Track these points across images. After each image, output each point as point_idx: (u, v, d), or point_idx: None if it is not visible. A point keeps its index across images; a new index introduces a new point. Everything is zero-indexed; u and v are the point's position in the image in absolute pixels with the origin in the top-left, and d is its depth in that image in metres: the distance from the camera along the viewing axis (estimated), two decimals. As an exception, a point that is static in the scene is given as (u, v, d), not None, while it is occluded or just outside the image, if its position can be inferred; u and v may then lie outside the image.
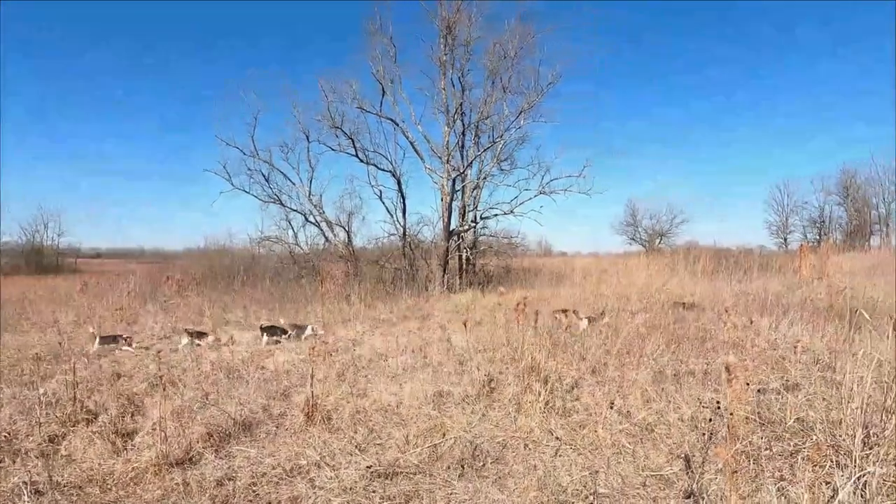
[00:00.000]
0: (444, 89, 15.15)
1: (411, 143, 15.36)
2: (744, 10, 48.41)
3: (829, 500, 2.55)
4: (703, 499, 2.57)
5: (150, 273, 18.85)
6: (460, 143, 16.44)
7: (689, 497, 2.63)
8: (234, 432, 3.83)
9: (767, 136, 56.67)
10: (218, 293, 13.66)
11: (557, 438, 3.65)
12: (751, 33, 51.29)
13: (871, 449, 2.78)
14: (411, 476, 3.15)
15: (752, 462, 3.00)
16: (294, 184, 16.28)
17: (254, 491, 2.96)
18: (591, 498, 2.75)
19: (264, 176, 16.22)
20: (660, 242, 45.67)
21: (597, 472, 3.02)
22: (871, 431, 2.89)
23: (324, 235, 16.67)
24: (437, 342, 7.11)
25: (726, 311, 7.87)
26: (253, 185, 16.26)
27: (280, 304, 11.51)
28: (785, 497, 2.60)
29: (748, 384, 3.31)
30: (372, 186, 16.05)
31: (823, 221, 43.50)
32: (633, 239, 48.23)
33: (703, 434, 2.66)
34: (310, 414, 3.99)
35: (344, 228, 16.63)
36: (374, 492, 2.92)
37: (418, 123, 15.37)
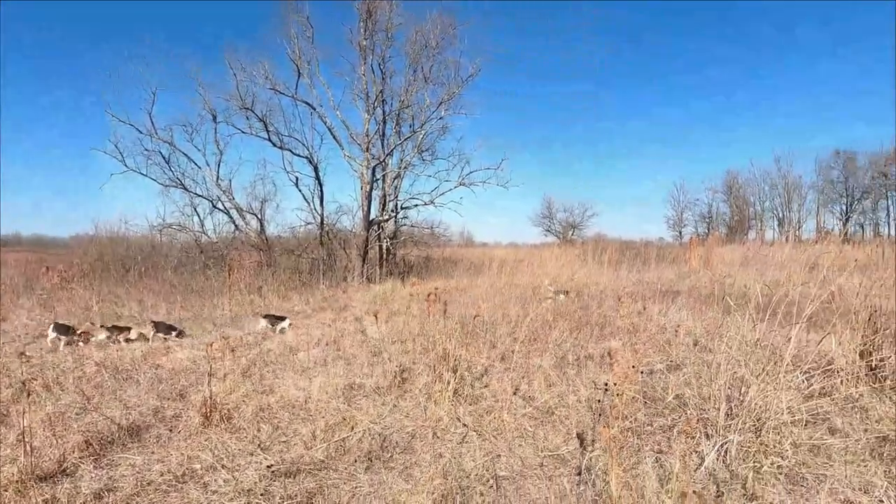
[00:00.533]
0: (364, 75, 14.81)
1: (329, 129, 14.88)
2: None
3: (697, 467, 2.87)
4: (591, 474, 2.77)
5: (26, 263, 16.60)
6: (381, 131, 16.20)
7: (579, 473, 2.83)
8: (119, 439, 3.49)
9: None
10: (110, 285, 12.37)
11: (465, 425, 3.75)
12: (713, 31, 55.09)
13: (732, 420, 3.15)
14: (316, 472, 3.07)
15: (635, 437, 3.29)
16: (200, 167, 15.12)
17: (137, 502, 2.72)
18: (492, 481, 2.86)
19: (164, 157, 14.89)
20: (572, 234, 48.55)
21: (499, 456, 3.15)
22: (732, 404, 3.28)
23: (234, 223, 15.69)
24: (352, 334, 6.99)
25: (619, 300, 8.51)
26: (151, 168, 14.87)
27: (183, 297, 10.67)
28: (661, 467, 2.87)
29: (633, 366, 3.62)
30: (287, 172, 15.35)
31: (711, 217, 48.63)
32: (549, 230, 50.86)
33: (595, 414, 2.87)
34: (208, 414, 3.75)
35: (256, 216, 15.77)
36: (274, 492, 2.81)
37: (337, 109, 14.92)
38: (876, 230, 39.41)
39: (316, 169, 15.11)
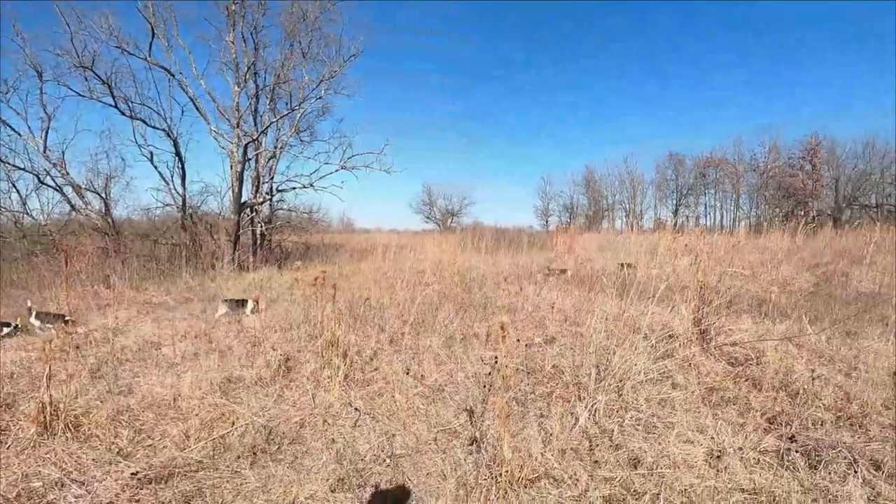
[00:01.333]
0: (232, 43, 13.44)
1: (192, 100, 13.29)
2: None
3: (573, 426, 3.18)
4: (483, 442, 2.92)
5: None
6: (253, 106, 14.95)
7: (472, 443, 2.96)
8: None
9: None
10: None
11: (357, 409, 3.68)
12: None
13: (600, 383, 3.56)
14: (193, 474, 2.78)
15: (520, 405, 3.55)
16: (20, 134, 12.45)
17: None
18: (388, 460, 2.86)
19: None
20: (451, 222, 50.22)
21: (393, 435, 3.16)
22: (600, 369, 3.70)
23: (69, 203, 13.27)
24: (226, 324, 6.42)
25: (505, 280, 9.06)
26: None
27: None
28: (543, 430, 3.14)
29: (518, 340, 3.88)
30: (140, 146, 13.38)
31: (573, 207, 53.83)
32: (429, 218, 51.96)
33: (484, 387, 3.02)
34: (47, 423, 3.16)
35: (99, 195, 13.53)
36: (143, 500, 2.48)
37: (201, 78, 13.37)
38: (696, 221, 47.13)
39: (176, 143, 13.42)
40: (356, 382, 4.12)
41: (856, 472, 2.46)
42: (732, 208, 44.35)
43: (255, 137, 14.08)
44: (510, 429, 3.10)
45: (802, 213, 33.18)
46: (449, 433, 3.27)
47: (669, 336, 4.67)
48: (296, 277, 10.57)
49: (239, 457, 3.03)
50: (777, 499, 2.33)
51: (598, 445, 2.95)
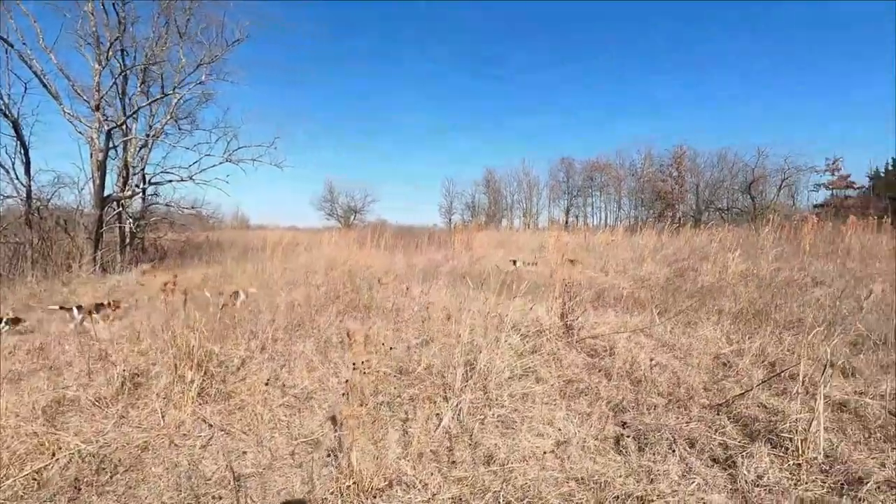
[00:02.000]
0: (92, 14, 11.82)
1: (39, 76, 11.45)
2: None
3: (436, 428, 3.21)
4: (341, 453, 2.82)
5: None
6: (121, 88, 13.33)
7: (330, 455, 2.85)
8: None
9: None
10: None
11: (210, 426, 3.39)
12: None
13: (467, 382, 3.63)
14: (-15, 522, 2.35)
15: (388, 409, 3.51)
16: None
17: None
18: (234, 482, 2.65)
19: None
20: (354, 219, 49.25)
21: (244, 452, 2.94)
22: (468, 368, 3.79)
23: None
24: (69, 337, 5.61)
25: (378, 281, 8.99)
26: None
27: None
28: (406, 434, 3.12)
29: (382, 344, 3.84)
30: (-34, 127, 11.28)
31: (474, 206, 55.48)
32: (331, 214, 50.48)
33: (343, 394, 2.93)
34: None
35: None
36: None
37: (50, 51, 11.56)
38: (585, 220, 51.08)
39: (16, 126, 11.49)
40: (217, 396, 3.80)
41: (674, 451, 2.75)
42: (615, 209, 48.70)
43: (120, 122, 12.53)
44: (373, 435, 3.04)
45: (670, 214, 37.40)
46: (311, 444, 3.13)
47: (539, 331, 4.94)
48: (166, 282, 9.64)
49: (56, 493, 2.63)
50: (607, 481, 2.54)
51: (458, 445, 3.00)
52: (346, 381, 2.87)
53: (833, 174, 33.75)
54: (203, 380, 3.79)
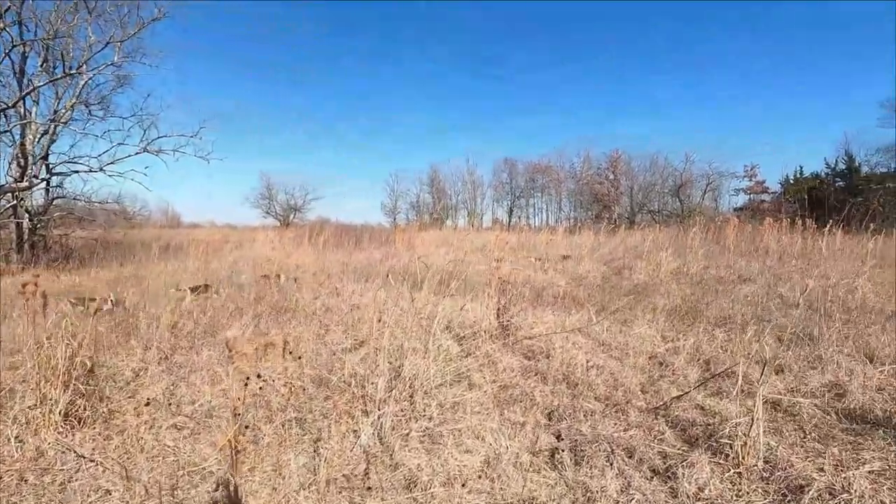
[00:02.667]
0: (-23, -22, 10.33)
1: None
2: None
3: (353, 446, 2.81)
4: (232, 483, 2.36)
5: None
6: (16, 66, 11.81)
7: (217, 489, 2.38)
8: None
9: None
10: None
11: (81, 456, 2.80)
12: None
13: (391, 392, 3.25)
14: None
15: (300, 426, 3.06)
16: None
17: None
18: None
19: None
20: (294, 217, 47.39)
21: (109, 492, 2.41)
22: (394, 376, 3.41)
23: None
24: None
25: (328, 279, 8.47)
26: None
27: None
28: (317, 455, 2.70)
29: (291, 352, 3.39)
30: None
31: (419, 205, 55.04)
32: (269, 212, 48.29)
33: (235, 413, 2.47)
34: None
35: None
36: None
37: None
38: (527, 221, 52.09)
39: None
40: (93, 418, 3.19)
41: (612, 463, 2.52)
42: (556, 210, 50.01)
43: (13, 102, 11.05)
44: (278, 459, 2.60)
45: (607, 215, 38.86)
46: (201, 474, 2.63)
47: (475, 333, 4.65)
48: (24, 283, 8.55)
49: None
50: (543, 504, 2.26)
51: (376, 467, 2.62)
52: (239, 398, 2.40)
53: (750, 180, 36.40)
54: (76, 399, 3.16)
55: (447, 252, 15.32)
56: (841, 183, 32.40)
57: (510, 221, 50.09)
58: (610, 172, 42.48)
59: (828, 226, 10.85)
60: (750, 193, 36.48)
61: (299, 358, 3.58)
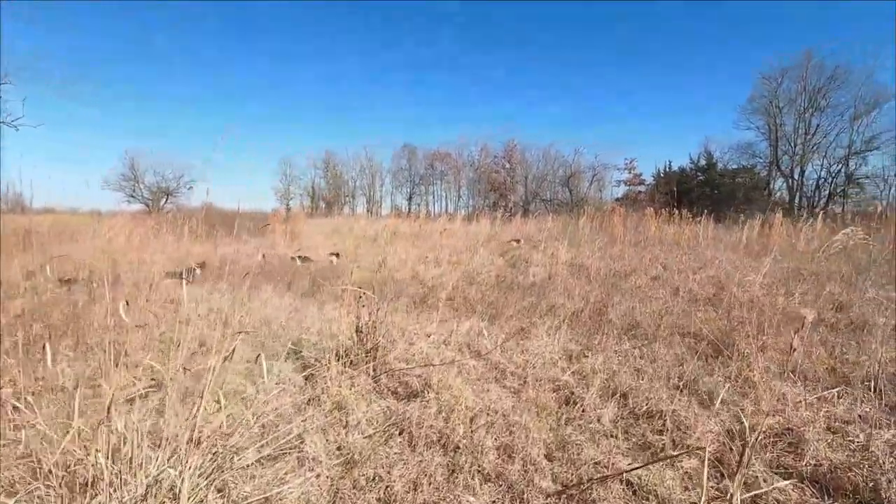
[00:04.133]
0: None
1: None
2: None
3: None
4: None
5: None
6: None
7: None
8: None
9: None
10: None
11: None
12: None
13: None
14: None
15: None
16: None
17: None
18: None
19: None
20: (166, 202, 41.64)
21: None
22: (192, 445, 2.00)
23: None
24: None
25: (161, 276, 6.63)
26: None
27: None
28: None
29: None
30: None
31: (314, 190, 51.54)
32: (133, 196, 41.87)
33: None
34: None
35: None
36: None
37: None
38: (427, 209, 51.21)
39: None
40: None
41: None
42: (456, 198, 49.85)
43: None
44: None
45: (503, 203, 39.38)
46: None
47: (324, 360, 3.34)
48: None
49: None
50: None
51: None
52: None
53: (629, 172, 39.01)
54: None
55: (337, 243, 13.66)
56: (702, 177, 35.91)
57: (410, 208, 49.01)
58: (506, 161, 43.13)
59: (700, 216, 11.32)
60: (629, 185, 39.13)
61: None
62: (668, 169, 37.76)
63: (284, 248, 13.31)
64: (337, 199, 51.31)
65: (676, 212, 13.21)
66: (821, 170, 31.77)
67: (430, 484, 2.18)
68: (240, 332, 2.46)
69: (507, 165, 43.02)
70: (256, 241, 15.09)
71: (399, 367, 3.49)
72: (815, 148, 31.58)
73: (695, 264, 7.67)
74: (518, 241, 11.79)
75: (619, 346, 3.98)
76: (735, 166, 35.24)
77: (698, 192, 33.46)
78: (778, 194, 33.75)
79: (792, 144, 32.33)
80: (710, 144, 36.23)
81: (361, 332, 3.54)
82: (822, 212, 12.63)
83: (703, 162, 36.22)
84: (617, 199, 37.98)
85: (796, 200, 31.88)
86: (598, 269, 7.32)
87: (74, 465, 1.94)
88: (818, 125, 31.37)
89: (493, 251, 10.92)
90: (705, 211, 12.89)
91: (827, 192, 31.36)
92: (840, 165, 30.73)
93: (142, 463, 1.90)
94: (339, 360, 3.36)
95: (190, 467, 1.95)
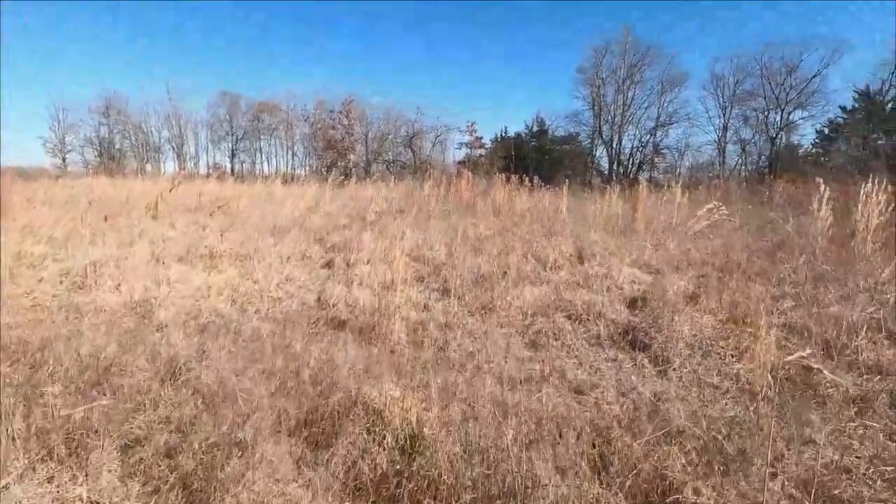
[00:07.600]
0: None
1: None
2: None
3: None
4: None
5: None
6: None
7: None
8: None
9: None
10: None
11: None
12: None
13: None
14: None
15: None
16: None
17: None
18: None
19: None
20: None
21: None
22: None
23: None
24: None
25: None
26: None
27: None
28: None
29: None
30: None
31: (101, 142, 40.21)
32: None
33: None
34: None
35: None
36: None
37: None
38: (253, 167, 44.00)
39: None
40: None
41: None
42: (290, 156, 43.87)
43: None
44: None
45: (342, 163, 35.57)
46: None
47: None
48: None
49: None
50: None
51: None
52: None
53: (471, 135, 38.37)
54: None
55: (89, 219, 8.85)
56: (535, 143, 37.00)
57: (233, 167, 41.88)
58: (344, 118, 38.86)
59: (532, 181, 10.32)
60: (470, 148, 38.58)
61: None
62: (504, 134, 38.12)
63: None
64: (136, 155, 40.88)
65: (516, 177, 11.99)
66: (634, 140, 34.91)
67: None
68: None
69: (346, 122, 38.83)
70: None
71: None
72: (630, 119, 34.40)
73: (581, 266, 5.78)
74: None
75: None
76: (564, 133, 36.94)
77: (533, 158, 34.29)
78: (598, 162, 36.43)
79: (612, 115, 34.73)
80: (542, 112, 37.24)
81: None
82: (634, 179, 12.69)
83: (536, 128, 37.23)
84: (460, 162, 37.13)
85: (614, 167, 34.64)
86: (461, 276, 4.88)
87: None
88: (633, 97, 34.08)
89: (307, 233, 7.80)
90: (536, 177, 12.08)
91: (638, 160, 34.70)
92: (649, 136, 34.06)
93: None
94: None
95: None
